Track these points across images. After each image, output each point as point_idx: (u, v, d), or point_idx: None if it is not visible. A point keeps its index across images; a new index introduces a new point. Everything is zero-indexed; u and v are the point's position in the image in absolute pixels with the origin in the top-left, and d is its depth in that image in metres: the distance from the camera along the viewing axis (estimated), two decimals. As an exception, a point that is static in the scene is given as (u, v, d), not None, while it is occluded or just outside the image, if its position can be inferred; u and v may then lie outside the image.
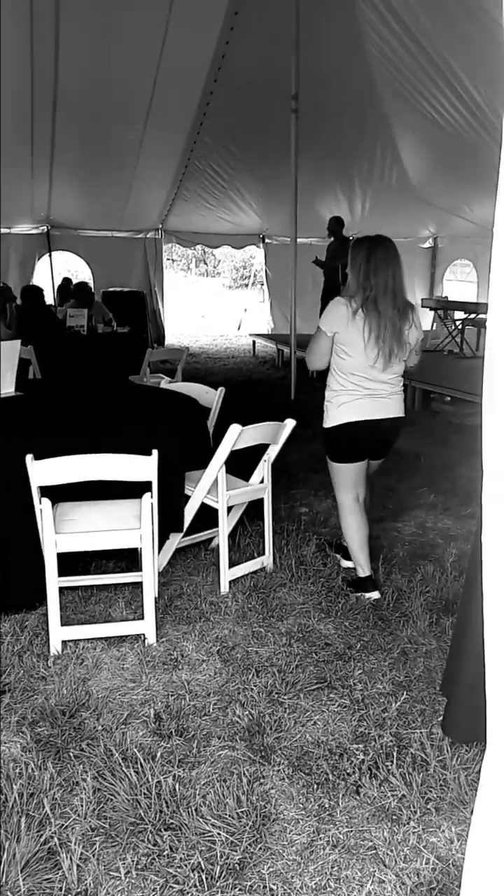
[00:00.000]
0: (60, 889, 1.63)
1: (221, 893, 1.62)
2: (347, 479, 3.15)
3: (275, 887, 1.64)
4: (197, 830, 1.78)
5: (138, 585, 2.94)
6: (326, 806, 1.89)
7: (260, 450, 3.25)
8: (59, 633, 2.58)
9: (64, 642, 2.61)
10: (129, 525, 2.67)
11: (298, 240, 7.65)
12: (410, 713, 2.30)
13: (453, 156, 8.93)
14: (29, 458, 2.48)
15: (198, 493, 3.13)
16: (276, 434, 3.24)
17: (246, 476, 3.41)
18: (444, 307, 10.44)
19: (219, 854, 1.72)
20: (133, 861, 1.71)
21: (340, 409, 3.00)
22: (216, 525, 3.21)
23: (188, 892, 1.62)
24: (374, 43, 7.34)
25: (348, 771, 2.01)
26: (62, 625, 2.62)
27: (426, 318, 12.47)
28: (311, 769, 2.02)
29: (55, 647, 2.58)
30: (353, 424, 3.00)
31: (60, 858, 1.69)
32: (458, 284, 15.71)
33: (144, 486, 2.63)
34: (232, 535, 3.53)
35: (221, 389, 3.88)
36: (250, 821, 1.81)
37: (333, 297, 8.19)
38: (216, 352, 12.22)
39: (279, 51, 6.82)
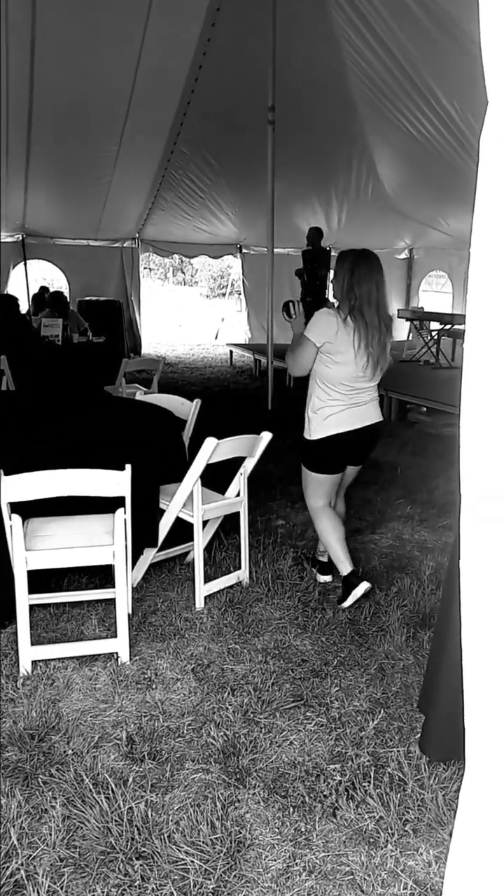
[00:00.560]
0: (26, 925, 1.56)
1: (194, 925, 1.57)
2: (323, 488, 3.16)
3: (249, 917, 1.60)
4: (170, 858, 1.73)
5: (112, 601, 2.88)
6: (303, 830, 1.85)
7: (236, 462, 3.22)
8: (28, 653, 2.51)
9: (34, 662, 2.54)
10: (101, 541, 2.62)
11: (276, 250, 7.66)
12: (388, 731, 2.27)
13: (428, 169, 9.04)
14: (-2, 473, 2.42)
15: (173, 508, 3.09)
16: (252, 447, 3.21)
17: (222, 489, 3.37)
18: (420, 318, 10.53)
19: (192, 883, 1.67)
20: (103, 892, 1.65)
21: (327, 421, 2.99)
22: (192, 539, 3.17)
23: (160, 925, 1.56)
24: (351, 56, 7.42)
25: (325, 793, 1.97)
26: (32, 644, 2.55)
27: (402, 329, 12.59)
28: (287, 791, 1.98)
29: (25, 667, 2.50)
30: (338, 436, 3.00)
31: (27, 893, 1.63)
32: (433, 295, 15.91)
33: (118, 501, 2.58)
34: (208, 549, 3.49)
35: (197, 401, 3.84)
36: (224, 847, 1.76)
37: (313, 305, 8.12)
38: (193, 361, 12.18)
39: (256, 63, 6.85)
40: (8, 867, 1.70)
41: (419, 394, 7.20)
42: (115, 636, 2.64)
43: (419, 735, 2.22)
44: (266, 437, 3.22)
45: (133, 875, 1.68)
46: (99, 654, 2.63)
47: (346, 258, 2.93)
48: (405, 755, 2.14)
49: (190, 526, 3.10)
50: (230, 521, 3.47)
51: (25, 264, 11.26)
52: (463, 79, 6.32)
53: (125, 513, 2.57)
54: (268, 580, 3.33)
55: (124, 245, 11.96)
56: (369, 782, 2.01)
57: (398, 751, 2.16)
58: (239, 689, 2.45)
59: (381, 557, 3.74)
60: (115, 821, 1.83)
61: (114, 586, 2.73)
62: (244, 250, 12.74)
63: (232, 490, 3.35)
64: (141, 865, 1.71)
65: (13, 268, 11.22)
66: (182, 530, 3.22)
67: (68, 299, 9.40)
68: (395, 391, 7.39)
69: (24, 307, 8.86)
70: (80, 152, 8.69)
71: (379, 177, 10.40)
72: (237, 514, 3.31)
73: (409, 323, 11.23)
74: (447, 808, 1.92)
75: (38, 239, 11.25)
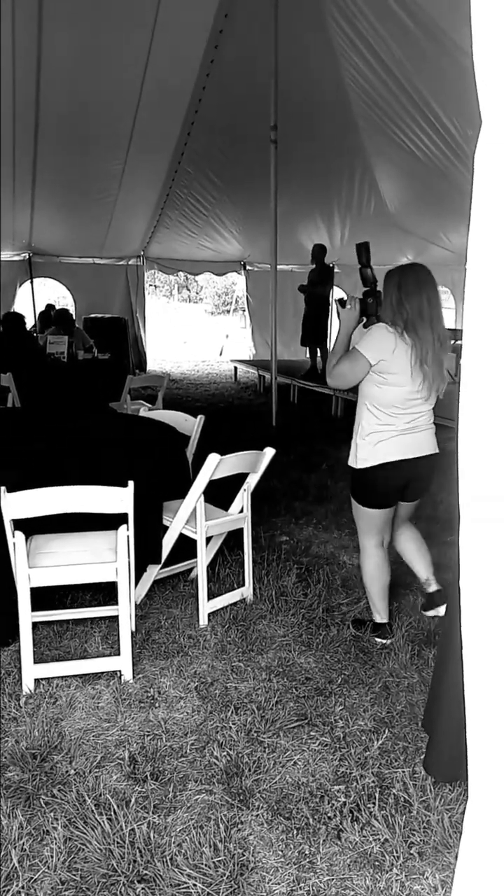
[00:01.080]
0: None
1: None
2: (375, 525, 2.86)
3: (252, 943, 1.57)
4: (172, 881, 1.71)
5: (116, 618, 2.87)
6: (307, 853, 1.82)
7: (240, 478, 3.22)
8: (31, 672, 2.50)
9: (37, 680, 2.53)
10: (104, 558, 2.61)
11: (279, 267, 7.72)
12: (392, 751, 2.24)
13: (429, 185, 9.12)
14: (1, 490, 2.42)
15: (176, 524, 3.08)
16: (255, 463, 3.21)
17: (225, 505, 3.37)
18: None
19: (194, 907, 1.64)
20: (104, 917, 1.63)
21: (378, 447, 2.71)
22: (195, 556, 3.16)
23: None
24: (351, 75, 7.52)
25: (329, 814, 1.94)
26: (35, 662, 2.54)
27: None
28: (291, 813, 1.95)
29: (27, 685, 2.49)
30: (390, 465, 2.71)
31: (27, 916, 1.61)
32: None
33: (121, 517, 2.58)
34: (211, 566, 3.48)
35: (201, 417, 3.85)
36: (227, 870, 1.74)
37: (315, 323, 8.17)
38: (198, 377, 12.23)
39: (258, 82, 6.94)
40: (9, 890, 1.68)
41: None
42: (119, 654, 2.63)
43: (424, 755, 2.19)
44: (269, 452, 3.22)
45: (135, 899, 1.66)
46: (102, 672, 2.62)
47: (394, 275, 2.69)
48: (410, 776, 2.11)
49: (193, 542, 3.09)
50: (234, 538, 3.47)
51: (32, 282, 11.37)
52: (461, 96, 6.39)
53: (128, 529, 2.57)
54: (272, 597, 3.32)
55: (129, 263, 12.07)
56: (374, 804, 1.98)
57: (403, 771, 2.13)
58: (242, 708, 2.43)
59: (385, 573, 3.71)
60: (117, 842, 1.81)
61: (117, 603, 2.72)
62: (248, 267, 12.83)
63: (235, 506, 3.34)
64: (143, 889, 1.69)
65: (20, 286, 11.33)
66: (185, 547, 3.21)
67: (74, 317, 9.48)
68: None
69: (30, 325, 8.93)
70: (85, 171, 8.81)
71: (380, 193, 10.49)
72: (241, 531, 3.31)
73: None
74: (453, 830, 1.89)
75: (45, 257, 11.37)
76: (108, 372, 7.09)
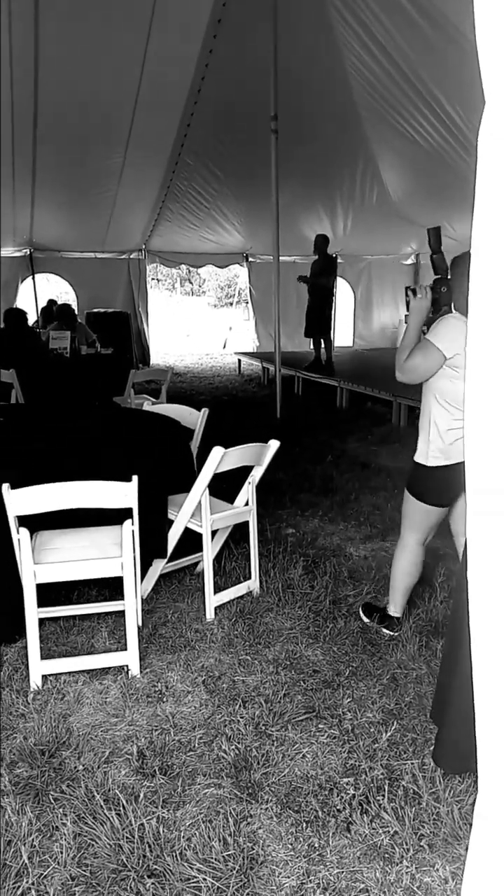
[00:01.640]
0: (37, 946, 1.54)
1: (207, 945, 1.54)
2: (428, 522, 2.77)
3: (263, 936, 1.57)
4: (182, 876, 1.71)
5: (122, 613, 2.86)
6: (316, 846, 1.82)
7: (245, 471, 3.20)
8: (38, 668, 2.50)
9: (44, 676, 2.53)
10: (110, 553, 2.61)
11: (282, 258, 7.67)
12: (401, 743, 2.24)
13: (433, 174, 9.03)
14: (5, 487, 2.42)
15: (181, 518, 3.08)
16: (260, 455, 3.19)
17: (231, 498, 3.36)
18: (427, 323, 10.46)
19: (204, 901, 1.64)
20: (114, 912, 1.63)
21: (455, 445, 2.56)
22: (201, 549, 3.15)
23: (172, 945, 1.54)
24: (353, 64, 7.44)
25: (338, 807, 1.94)
26: (42, 658, 2.54)
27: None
28: (301, 806, 1.95)
29: (35, 682, 2.49)
30: (464, 463, 2.71)
31: (37, 912, 1.61)
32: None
33: (126, 512, 2.57)
34: (217, 559, 3.47)
35: (205, 411, 3.83)
36: (237, 864, 1.74)
37: (321, 312, 7.95)
38: (202, 371, 12.20)
39: (258, 72, 6.88)
40: (19, 887, 1.68)
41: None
42: (126, 649, 2.63)
43: (433, 746, 2.19)
44: (274, 445, 3.20)
45: (144, 893, 1.66)
46: (109, 668, 2.62)
47: (465, 260, 2.44)
48: (419, 767, 2.10)
49: (199, 536, 3.08)
50: (239, 530, 3.46)
51: (34, 278, 11.35)
52: (465, 83, 6.33)
53: (133, 524, 2.56)
54: (278, 590, 3.31)
55: (131, 256, 12.02)
56: (383, 796, 1.98)
57: (412, 763, 2.12)
58: (250, 702, 2.42)
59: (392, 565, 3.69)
60: (127, 838, 1.81)
61: (123, 598, 2.72)
62: (250, 259, 12.77)
63: (240, 499, 3.33)
64: (153, 883, 1.68)
65: (21, 282, 11.31)
66: (191, 540, 3.20)
67: (76, 312, 9.46)
68: (403, 397, 7.36)
69: (31, 320, 8.91)
70: (85, 166, 8.77)
71: (383, 183, 10.40)
72: (246, 524, 3.30)
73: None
74: (463, 822, 1.88)
75: (46, 252, 11.34)
76: (111, 367, 7.07)
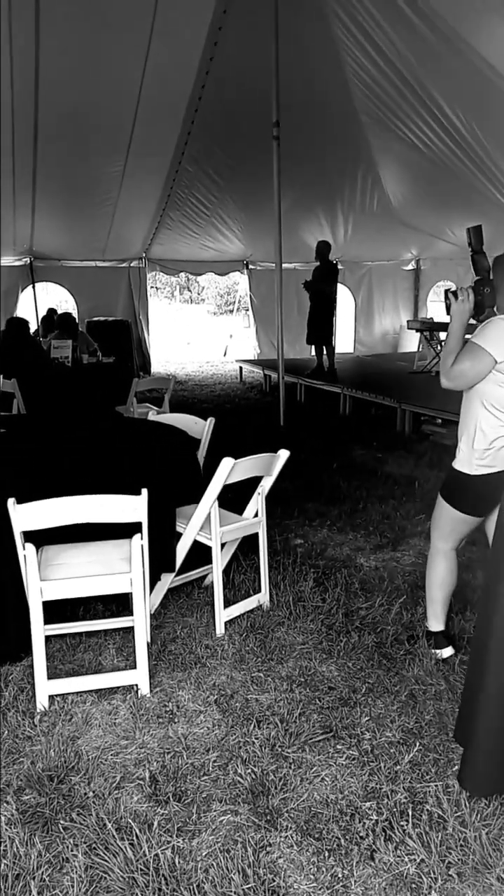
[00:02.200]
0: None
1: None
2: (462, 530, 2.65)
3: None
4: (199, 911, 1.62)
5: (130, 629, 2.79)
6: (340, 876, 1.74)
7: (252, 480, 3.13)
8: (45, 688, 2.42)
9: (51, 697, 2.45)
10: (118, 569, 2.53)
11: (283, 265, 7.62)
12: (423, 763, 2.15)
13: (433, 179, 9.00)
14: (11, 501, 2.35)
15: (190, 531, 3.00)
16: (269, 466, 3.12)
17: (239, 509, 3.29)
18: (430, 328, 10.45)
19: (224, 939, 1.56)
20: None
21: (501, 452, 2.45)
22: (209, 561, 3.08)
23: None
24: (353, 70, 7.42)
25: (361, 834, 1.86)
26: (49, 677, 2.46)
27: (412, 340, 12.50)
28: (322, 833, 1.87)
29: (42, 702, 2.41)
30: None
31: None
32: (441, 305, 15.81)
33: (134, 526, 2.50)
34: (226, 572, 3.39)
35: (211, 420, 3.76)
36: (258, 897, 1.66)
37: (323, 319, 7.87)
38: (203, 378, 12.14)
39: (260, 79, 6.85)
40: (28, 923, 1.60)
41: (433, 405, 7.09)
42: (135, 666, 2.55)
43: (457, 767, 2.11)
44: (283, 455, 3.14)
45: (161, 930, 1.58)
46: (118, 687, 2.54)
47: None
48: (444, 790, 2.02)
49: (206, 548, 3.01)
50: (247, 541, 3.38)
51: (34, 287, 11.31)
52: (466, 89, 6.30)
53: (143, 538, 2.49)
54: (289, 603, 3.23)
55: (131, 265, 11.99)
56: (407, 821, 1.90)
57: (436, 785, 2.04)
58: (265, 721, 2.34)
59: (404, 576, 3.62)
60: (141, 870, 1.72)
61: (131, 613, 2.65)
62: (251, 266, 12.74)
63: (250, 510, 3.26)
64: (169, 919, 1.60)
65: (22, 291, 11.27)
66: (198, 552, 3.13)
67: (77, 320, 9.40)
68: (408, 403, 7.30)
69: (32, 329, 8.85)
70: (86, 175, 8.73)
71: (384, 189, 10.38)
72: (255, 534, 3.22)
73: (418, 334, 11.15)
74: (492, 848, 1.80)
75: (46, 262, 11.30)
76: (112, 375, 7.02)
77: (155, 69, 6.85)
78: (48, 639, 2.66)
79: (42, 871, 1.74)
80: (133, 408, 5.83)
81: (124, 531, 2.56)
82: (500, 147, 7.09)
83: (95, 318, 11.20)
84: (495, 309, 2.48)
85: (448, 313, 2.55)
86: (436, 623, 2.80)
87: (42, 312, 10.62)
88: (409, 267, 14.12)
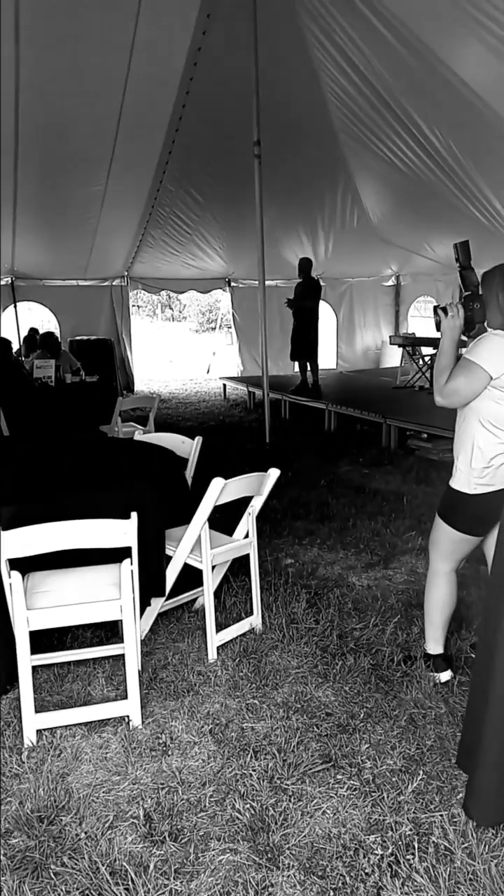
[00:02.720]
0: None
1: None
2: (462, 550, 2.60)
3: None
4: None
5: (119, 657, 2.70)
6: (346, 916, 1.66)
7: (241, 499, 3.07)
8: (33, 722, 2.32)
9: (39, 731, 2.35)
10: (107, 595, 2.45)
11: (265, 282, 7.62)
12: (426, 792, 2.09)
13: (412, 196, 9.10)
14: (-5, 528, 2.27)
15: (180, 553, 2.93)
16: (259, 485, 3.07)
17: (228, 529, 3.22)
18: (412, 343, 10.51)
19: None
20: None
21: (500, 470, 2.41)
22: (199, 584, 3.00)
23: None
24: (331, 89, 7.50)
25: (367, 870, 1.79)
26: (37, 710, 2.37)
27: (394, 356, 12.57)
28: (325, 871, 1.79)
29: (29, 738, 2.31)
30: None
31: None
32: (422, 321, 15.97)
33: (123, 549, 2.43)
34: (216, 594, 3.32)
35: (198, 439, 3.71)
36: (261, 943, 1.58)
37: (307, 335, 7.86)
38: (187, 396, 12.09)
39: (239, 98, 6.89)
40: None
41: (418, 420, 7.10)
42: (125, 696, 2.46)
43: (462, 795, 2.05)
44: (274, 474, 3.09)
45: None
46: (109, 719, 2.45)
47: (495, 274, 2.40)
48: (449, 820, 1.96)
49: (196, 570, 2.94)
50: (238, 562, 3.31)
51: (16, 306, 11.22)
52: (443, 106, 6.38)
53: (132, 563, 2.41)
54: (282, 625, 3.16)
55: (113, 283, 11.95)
56: (413, 854, 1.83)
57: (441, 815, 1.98)
58: (262, 752, 2.27)
59: (397, 595, 3.57)
60: (137, 917, 1.64)
61: (120, 639, 2.56)
62: (233, 284, 12.77)
63: (240, 531, 3.20)
64: None
65: (3, 311, 11.17)
66: (188, 575, 3.06)
67: (59, 339, 9.32)
68: (393, 418, 7.30)
69: (14, 349, 8.75)
70: (67, 194, 8.70)
71: (364, 206, 10.48)
72: (245, 555, 3.16)
73: (400, 349, 11.22)
74: (503, 880, 1.74)
75: (28, 281, 11.23)
76: (96, 394, 6.95)
77: (135, 90, 6.86)
78: (35, 669, 2.57)
79: (32, 922, 1.64)
80: (118, 427, 5.76)
81: (113, 555, 2.49)
82: (476, 164, 7.19)
83: (78, 337, 11.13)
84: (486, 324, 2.46)
85: (438, 330, 2.53)
86: (434, 646, 2.74)
87: (24, 332, 10.53)
88: (390, 283, 14.24)
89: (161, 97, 7.35)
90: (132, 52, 6.36)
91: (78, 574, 2.62)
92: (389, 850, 1.85)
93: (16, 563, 2.32)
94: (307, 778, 2.14)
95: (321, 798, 2.05)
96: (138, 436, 4.04)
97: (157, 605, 3.03)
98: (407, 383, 10.24)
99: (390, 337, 12.05)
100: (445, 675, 2.70)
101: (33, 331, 9.86)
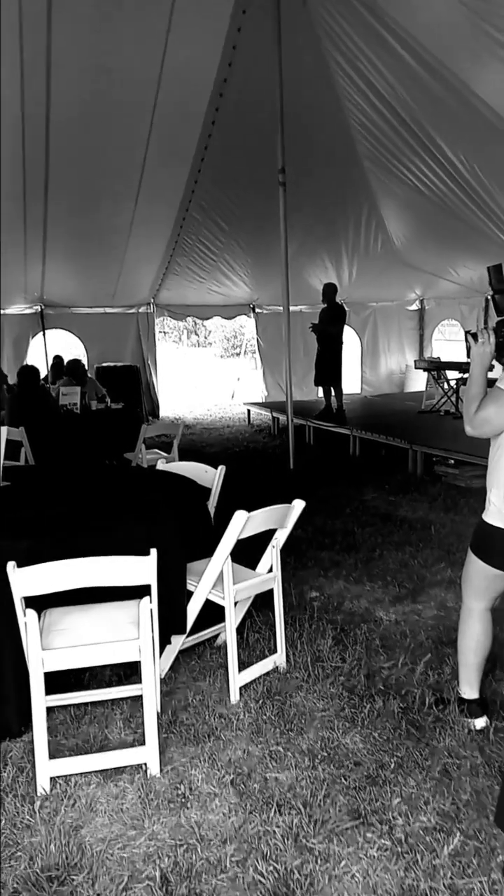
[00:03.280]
0: None
1: None
2: (494, 587, 2.47)
3: None
4: None
5: (138, 697, 2.60)
6: None
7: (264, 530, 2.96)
8: (47, 769, 2.23)
9: (53, 779, 2.26)
10: (125, 634, 2.36)
11: (290, 308, 7.60)
12: (463, 853, 1.94)
13: (435, 220, 9.06)
14: (11, 565, 2.20)
15: (202, 589, 2.83)
16: (284, 518, 2.97)
17: (251, 561, 3.12)
18: (437, 367, 10.37)
19: None
20: None
21: None
22: (221, 619, 2.90)
23: None
24: (354, 116, 7.52)
25: (400, 945, 1.64)
26: (51, 755, 2.27)
27: (419, 380, 12.42)
28: (355, 945, 1.66)
29: (42, 786, 2.22)
30: None
31: None
32: (446, 344, 15.82)
33: (143, 587, 2.34)
34: (239, 630, 3.21)
35: (221, 468, 3.62)
36: None
37: (331, 360, 7.79)
38: (211, 422, 12.07)
39: (264, 126, 6.94)
40: None
41: (444, 446, 6.95)
42: (143, 741, 2.36)
43: (501, 858, 1.89)
44: (298, 506, 2.99)
45: None
46: (126, 766, 2.34)
47: None
48: (489, 887, 1.80)
49: (218, 605, 2.83)
50: (261, 596, 3.20)
51: (44, 334, 11.37)
52: (467, 130, 6.34)
53: (151, 602, 2.33)
54: (307, 663, 3.04)
55: (140, 310, 12.06)
56: (451, 927, 1.68)
57: (480, 882, 1.83)
58: (286, 806, 2.14)
59: (427, 631, 3.42)
60: None
61: (140, 679, 2.46)
62: (257, 310, 12.80)
63: (263, 565, 3.10)
64: None
65: (32, 338, 11.34)
66: (210, 610, 2.95)
67: (86, 366, 9.39)
68: (419, 445, 7.15)
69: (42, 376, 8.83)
70: (95, 223, 8.83)
71: (387, 230, 10.46)
72: (269, 590, 3.05)
73: (425, 373, 11.08)
74: None
75: (56, 309, 11.38)
76: (121, 421, 6.94)
77: (162, 120, 6.96)
78: (50, 710, 2.48)
79: None
80: (142, 454, 5.72)
81: (132, 590, 2.41)
82: (501, 186, 7.12)
83: (104, 364, 11.20)
84: None
85: (468, 356, 2.43)
86: (469, 690, 2.59)
87: (51, 359, 10.66)
88: (414, 307, 14.15)
89: (187, 127, 7.45)
90: (160, 83, 6.46)
91: (96, 611, 2.54)
92: (425, 923, 1.71)
93: (32, 600, 2.25)
94: (335, 836, 2.00)
95: (350, 860, 1.92)
96: (161, 464, 3.98)
97: (178, 642, 2.93)
98: (432, 408, 10.08)
99: (415, 361, 11.92)
100: (481, 722, 2.55)
101: (59, 358, 9.96)
